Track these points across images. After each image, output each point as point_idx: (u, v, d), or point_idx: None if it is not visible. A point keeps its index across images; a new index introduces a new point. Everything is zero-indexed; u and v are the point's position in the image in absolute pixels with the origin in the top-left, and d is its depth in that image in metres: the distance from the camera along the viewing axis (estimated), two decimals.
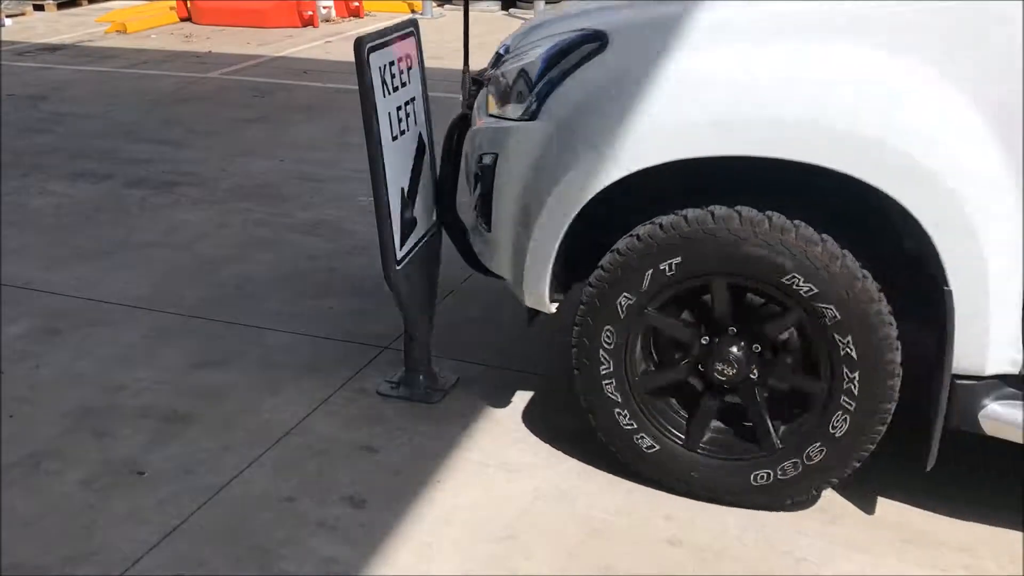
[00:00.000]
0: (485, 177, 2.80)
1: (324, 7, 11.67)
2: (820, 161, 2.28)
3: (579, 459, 2.88)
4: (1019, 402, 2.38)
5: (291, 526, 2.60)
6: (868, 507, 2.66)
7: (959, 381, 2.38)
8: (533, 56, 2.70)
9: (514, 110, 2.72)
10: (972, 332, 2.30)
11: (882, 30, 2.26)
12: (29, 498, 2.72)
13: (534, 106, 2.63)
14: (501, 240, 2.79)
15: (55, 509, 2.67)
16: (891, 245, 2.44)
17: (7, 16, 11.69)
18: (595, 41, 2.56)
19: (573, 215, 2.56)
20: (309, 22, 11.27)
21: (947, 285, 2.28)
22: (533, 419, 3.08)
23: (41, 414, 3.14)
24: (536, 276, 2.68)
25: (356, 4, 12.06)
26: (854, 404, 2.45)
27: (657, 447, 2.67)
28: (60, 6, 12.80)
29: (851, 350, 2.41)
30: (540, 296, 2.70)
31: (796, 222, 2.39)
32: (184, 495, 2.72)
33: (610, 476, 2.79)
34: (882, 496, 2.69)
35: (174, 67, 9.06)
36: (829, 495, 2.69)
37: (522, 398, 3.20)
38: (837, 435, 2.49)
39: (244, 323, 3.77)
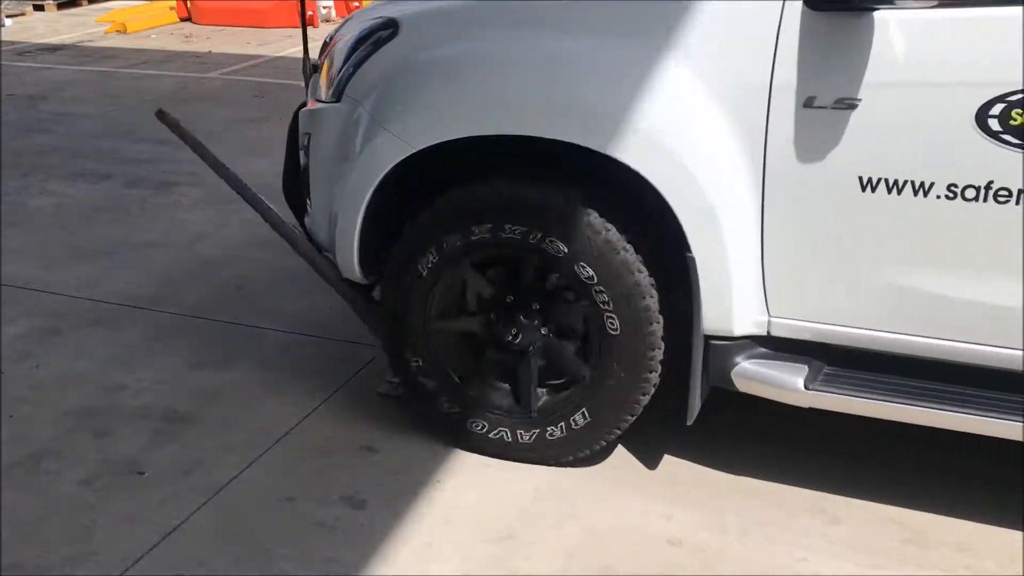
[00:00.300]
0: (305, 155, 3.00)
1: (324, 7, 11.67)
2: (571, 138, 2.47)
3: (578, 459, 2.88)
4: (769, 361, 2.52)
5: (291, 526, 2.60)
6: (870, 509, 2.67)
7: (713, 342, 2.53)
8: (343, 42, 2.90)
9: (326, 93, 2.92)
10: (717, 296, 2.46)
11: (619, 21, 2.46)
12: (29, 498, 2.72)
13: (338, 89, 2.84)
14: (318, 214, 2.97)
15: (55, 509, 2.67)
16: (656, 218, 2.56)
17: (7, 16, 11.70)
18: (389, 28, 2.77)
19: (370, 192, 2.72)
20: (309, 22, 11.27)
21: (690, 252, 2.44)
22: None
23: (41, 414, 3.14)
24: (345, 249, 2.84)
25: (356, 4, 12.06)
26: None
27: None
28: (60, 6, 12.80)
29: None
30: (351, 268, 2.87)
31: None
32: (184, 495, 2.72)
33: (610, 476, 2.80)
34: (882, 497, 2.69)
35: (174, 67, 9.06)
36: (830, 496, 2.70)
37: None
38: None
39: (244, 323, 3.77)
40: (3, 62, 9.13)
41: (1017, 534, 2.55)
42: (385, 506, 2.68)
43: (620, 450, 2.91)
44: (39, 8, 12.61)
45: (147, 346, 3.60)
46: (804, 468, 2.80)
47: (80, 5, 13.04)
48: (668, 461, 2.86)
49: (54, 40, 10.63)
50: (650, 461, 2.86)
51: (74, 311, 3.90)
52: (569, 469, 2.82)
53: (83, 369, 3.43)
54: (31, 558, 2.48)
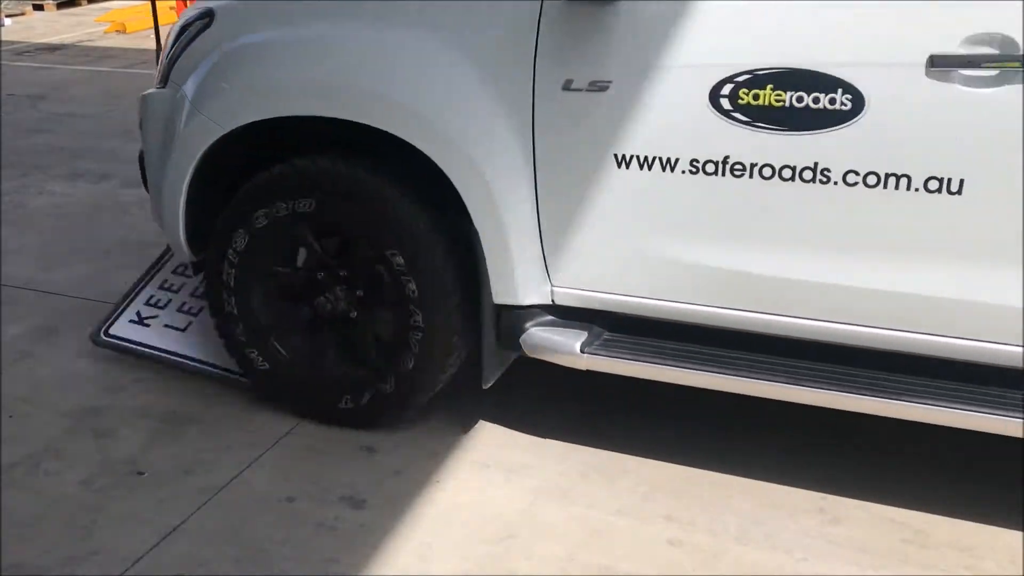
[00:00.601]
0: (142, 139, 3.17)
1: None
2: (350, 117, 2.64)
3: (579, 459, 2.88)
4: (553, 328, 2.69)
5: (291, 526, 2.60)
6: (870, 509, 2.67)
7: (504, 310, 2.69)
8: (172, 30, 3.10)
9: (156, 79, 3.10)
10: (502, 268, 2.63)
11: (402, 10, 2.63)
12: (29, 498, 2.72)
13: (164, 75, 3.03)
14: (153, 195, 3.13)
15: (55, 509, 2.67)
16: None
17: (7, 16, 11.71)
18: (206, 17, 2.96)
19: (190, 173, 2.90)
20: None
21: (473, 225, 2.61)
22: (533, 419, 3.08)
23: (41, 414, 3.15)
24: (172, 228, 3.02)
25: None
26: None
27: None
28: (59, 6, 12.81)
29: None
30: (179, 246, 3.06)
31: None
32: (184, 495, 2.72)
33: (610, 476, 2.80)
34: (882, 497, 2.69)
35: None
36: (830, 496, 2.70)
37: (522, 399, 3.20)
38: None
39: None
40: (3, 62, 9.13)
41: (1017, 534, 2.56)
42: (385, 506, 2.68)
43: (616, 450, 2.91)
44: (39, 8, 12.62)
45: None
46: (804, 468, 2.80)
47: (79, 5, 13.04)
48: (666, 462, 2.86)
49: (54, 40, 10.63)
50: (646, 462, 2.86)
51: (74, 311, 3.90)
52: (568, 469, 2.83)
53: (83, 369, 3.43)
54: (31, 558, 2.48)
